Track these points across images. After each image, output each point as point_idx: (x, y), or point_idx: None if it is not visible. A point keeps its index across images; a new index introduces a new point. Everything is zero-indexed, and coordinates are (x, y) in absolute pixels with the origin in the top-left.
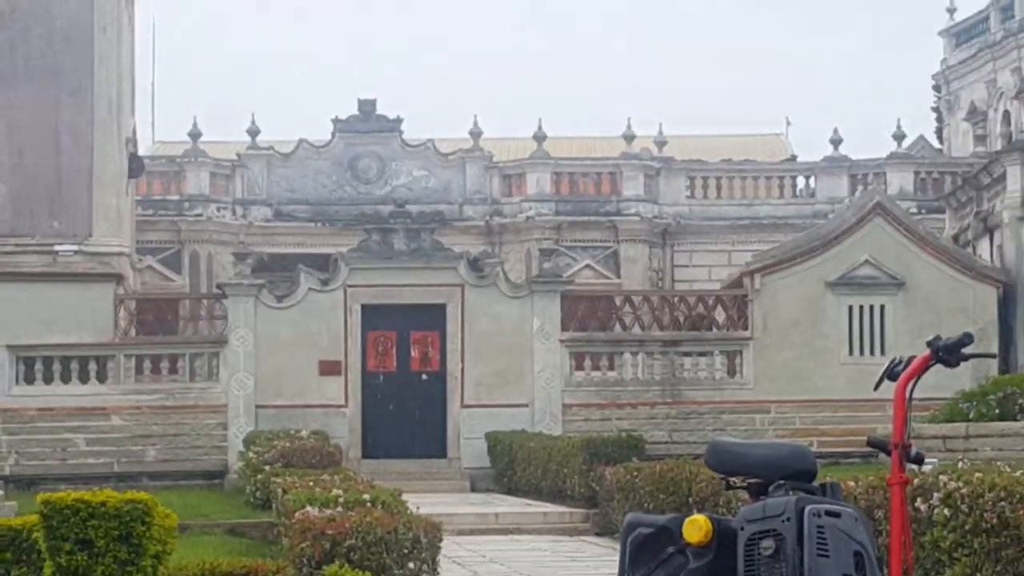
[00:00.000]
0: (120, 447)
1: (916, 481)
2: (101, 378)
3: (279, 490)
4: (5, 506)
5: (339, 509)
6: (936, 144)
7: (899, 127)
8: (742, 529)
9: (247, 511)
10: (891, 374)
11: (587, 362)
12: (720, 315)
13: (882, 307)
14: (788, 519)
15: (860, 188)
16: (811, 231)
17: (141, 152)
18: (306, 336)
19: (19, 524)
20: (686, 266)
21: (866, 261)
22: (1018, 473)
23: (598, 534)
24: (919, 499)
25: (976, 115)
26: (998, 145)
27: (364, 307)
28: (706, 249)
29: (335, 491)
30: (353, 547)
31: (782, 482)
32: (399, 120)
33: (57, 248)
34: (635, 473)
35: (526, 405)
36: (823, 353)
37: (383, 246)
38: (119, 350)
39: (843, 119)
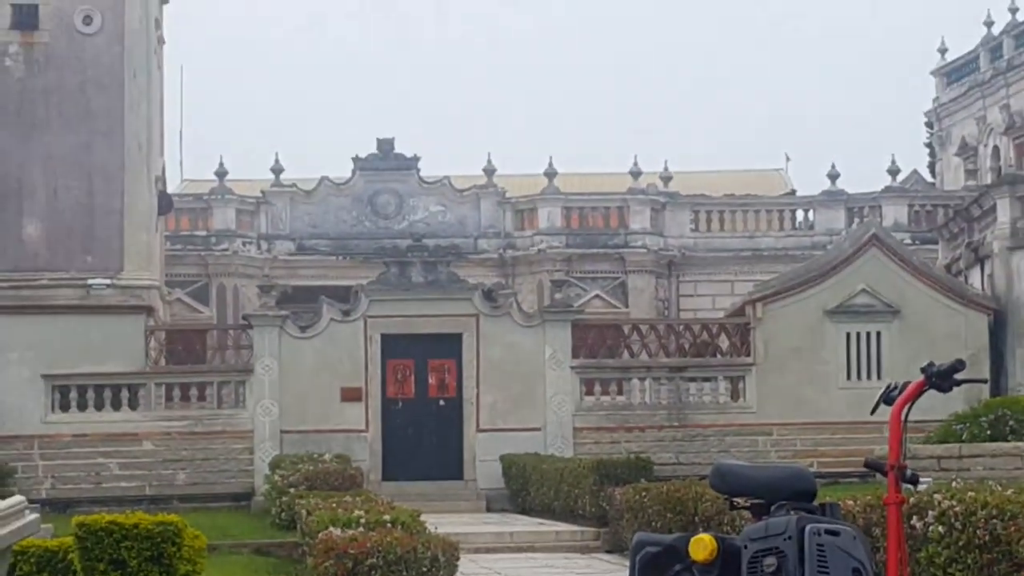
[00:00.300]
0: (151, 471)
1: (912, 500)
2: (133, 405)
3: (303, 511)
4: (42, 528)
5: (361, 529)
6: (929, 178)
7: (893, 162)
8: (746, 547)
9: (273, 532)
10: (887, 399)
11: (597, 387)
12: (724, 342)
13: (878, 334)
14: (790, 538)
15: (856, 220)
16: (810, 262)
17: (170, 190)
18: (328, 364)
19: (55, 546)
20: (691, 296)
21: (863, 290)
22: (1009, 492)
23: (608, 552)
24: (915, 517)
25: (967, 150)
26: (988, 179)
27: (384, 336)
28: (710, 279)
29: (357, 512)
30: (374, 566)
31: (784, 502)
32: (416, 158)
33: (90, 282)
34: (643, 493)
35: (539, 429)
36: (822, 378)
37: (401, 278)
38: (150, 378)
39: (840, 155)
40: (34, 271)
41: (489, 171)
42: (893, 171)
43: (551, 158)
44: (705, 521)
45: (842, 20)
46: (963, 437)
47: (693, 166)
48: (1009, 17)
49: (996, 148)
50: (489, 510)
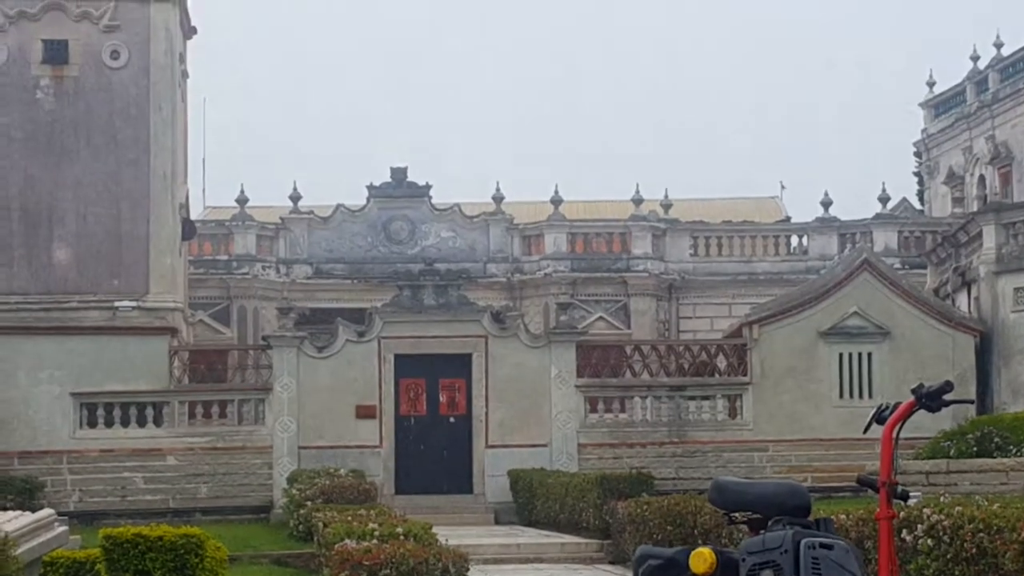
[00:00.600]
0: (175, 485)
1: (902, 515)
2: (157, 422)
3: (320, 524)
4: (70, 540)
5: (375, 541)
6: (918, 206)
7: (884, 190)
8: (743, 560)
9: (291, 543)
10: (879, 418)
11: (600, 405)
12: (721, 362)
13: (869, 354)
14: (786, 551)
15: (849, 246)
16: (804, 285)
17: (193, 216)
18: (344, 383)
19: (83, 556)
20: (690, 318)
21: (855, 312)
22: (996, 506)
23: (611, 563)
24: (905, 530)
25: (954, 179)
26: (974, 207)
27: (397, 356)
28: (708, 302)
29: (371, 525)
30: None
31: (780, 517)
32: (428, 186)
33: (117, 304)
34: (645, 507)
35: (545, 445)
36: (816, 397)
37: (414, 301)
38: (174, 396)
39: (833, 183)
40: (64, 294)
41: (498, 198)
42: (883, 199)
43: (557, 186)
44: (704, 534)
45: (835, 54)
46: (951, 453)
47: (692, 194)
48: (994, 52)
49: (982, 177)
50: (497, 523)
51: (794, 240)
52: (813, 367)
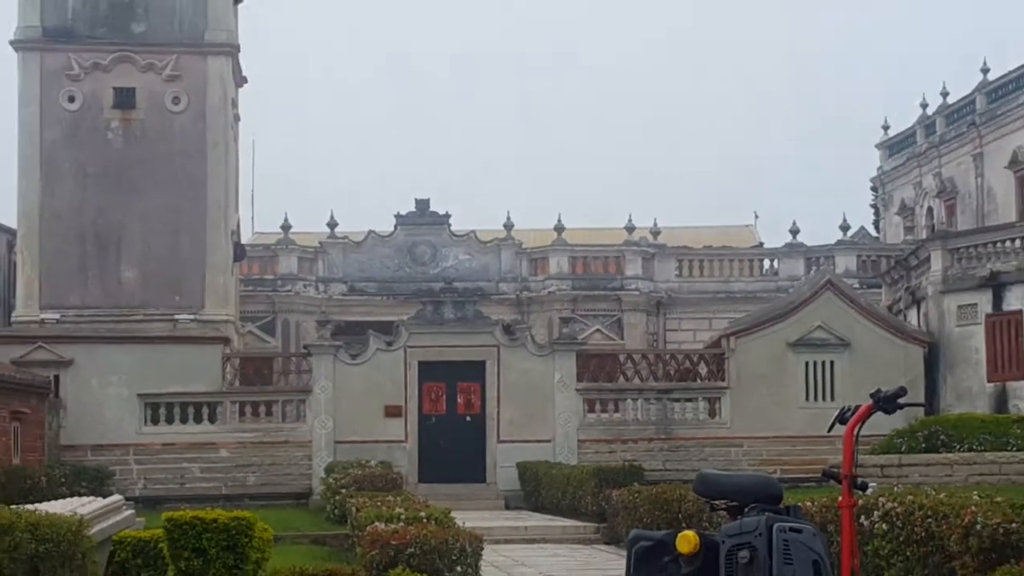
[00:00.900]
0: (227, 474)
1: (860, 503)
2: (212, 419)
3: (353, 508)
4: (136, 522)
5: (401, 524)
6: (874, 233)
7: (845, 220)
8: (723, 542)
9: (327, 525)
10: (842, 419)
11: (597, 406)
12: (703, 369)
13: (832, 363)
14: (760, 534)
15: (814, 268)
16: (775, 303)
17: (243, 241)
18: (374, 386)
19: (148, 536)
20: (675, 330)
21: (819, 326)
22: (942, 496)
23: (606, 543)
24: (863, 516)
25: (906, 211)
26: (924, 235)
27: (420, 363)
28: (691, 317)
29: (397, 509)
30: (412, 554)
31: (755, 505)
32: (448, 215)
33: (177, 317)
34: (636, 495)
35: (549, 440)
36: (785, 399)
37: (435, 315)
38: (226, 397)
39: (800, 214)
40: (131, 308)
41: (508, 226)
42: (844, 227)
43: (560, 215)
44: (687, 518)
45: (803, 100)
46: (902, 449)
47: (678, 222)
48: (941, 100)
49: (930, 209)
50: (507, 508)
51: (766, 263)
52: (783, 374)
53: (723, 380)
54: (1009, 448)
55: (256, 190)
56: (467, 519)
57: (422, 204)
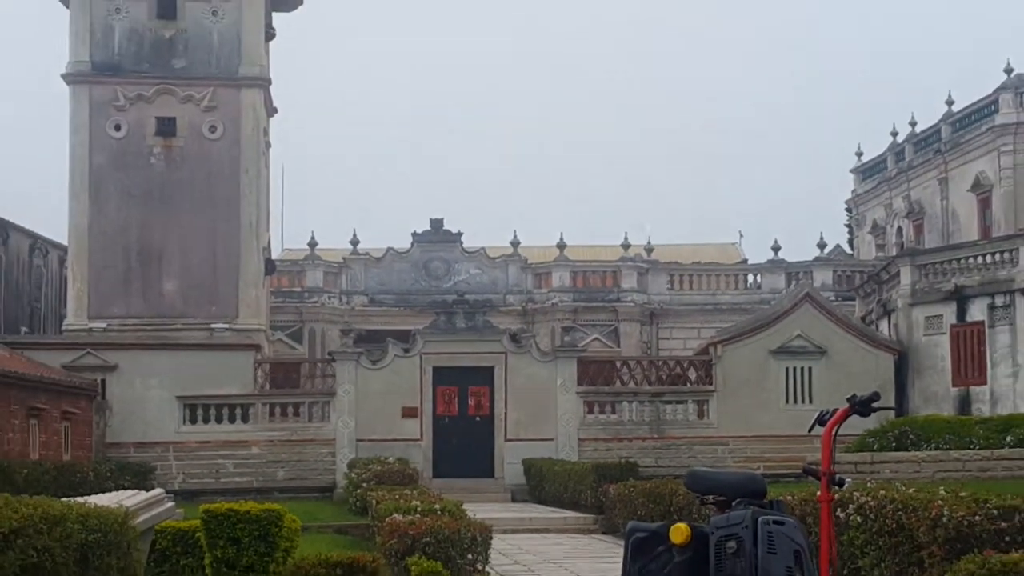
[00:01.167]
0: (258, 469)
1: (837, 497)
2: (244, 419)
3: (373, 501)
4: (176, 513)
5: (417, 515)
6: (848, 251)
7: (822, 238)
8: (712, 533)
9: (350, 516)
10: (821, 421)
11: (596, 408)
12: (692, 374)
13: (810, 368)
14: (746, 526)
15: (793, 283)
16: (758, 314)
17: (273, 257)
18: (393, 389)
19: (186, 526)
20: (667, 339)
21: (798, 335)
22: (911, 491)
23: (604, 533)
24: (839, 509)
25: (877, 230)
26: (894, 252)
27: (435, 368)
28: (682, 327)
29: (414, 502)
30: (427, 543)
31: (741, 499)
32: (460, 234)
33: (213, 326)
34: (631, 489)
35: (552, 439)
36: (767, 402)
37: (448, 324)
38: (257, 399)
39: (781, 232)
40: (171, 318)
41: (515, 243)
42: (821, 245)
43: (562, 234)
44: (678, 511)
45: (784, 130)
46: (874, 448)
47: (670, 240)
48: (909, 129)
49: (900, 228)
50: (514, 501)
51: (750, 277)
52: (765, 378)
53: (711, 384)
54: (972, 447)
55: (285, 210)
56: (477, 511)
57: (436, 223)
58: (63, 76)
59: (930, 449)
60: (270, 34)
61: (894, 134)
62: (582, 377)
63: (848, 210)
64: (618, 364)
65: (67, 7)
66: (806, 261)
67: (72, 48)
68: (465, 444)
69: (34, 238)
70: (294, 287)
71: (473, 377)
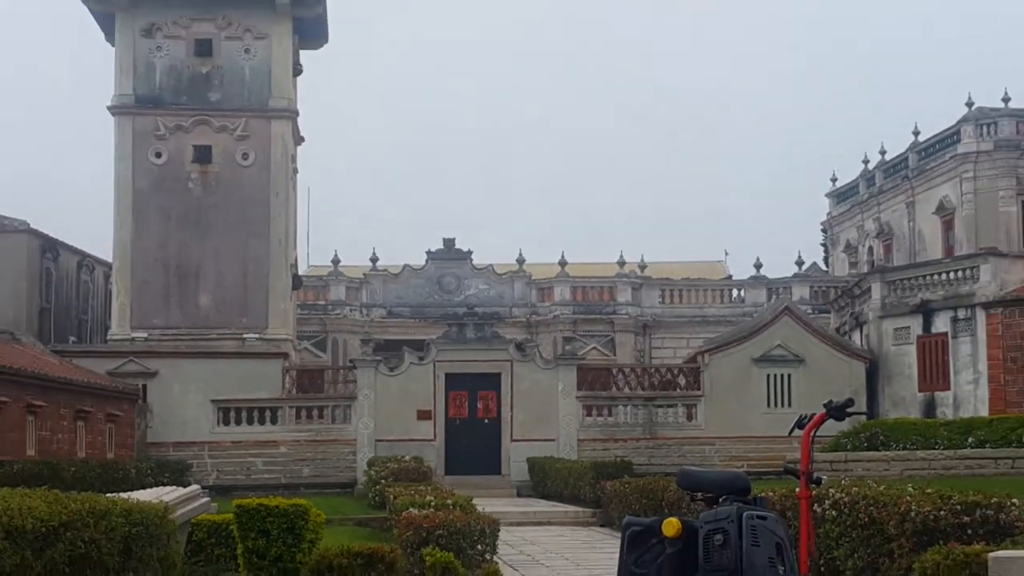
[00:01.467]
0: (286, 467)
1: (814, 494)
2: (273, 421)
3: (391, 496)
4: (210, 507)
5: (431, 509)
6: (824, 268)
7: (800, 257)
8: (701, 527)
9: (369, 510)
10: (800, 424)
11: (594, 411)
12: (682, 380)
13: (789, 375)
14: (732, 521)
15: (774, 297)
16: (741, 325)
17: (300, 273)
18: (408, 394)
19: (220, 519)
20: (659, 348)
21: (778, 345)
22: (881, 487)
23: (601, 525)
24: (816, 505)
25: (850, 249)
26: (865, 269)
27: (447, 375)
28: (672, 337)
29: (428, 497)
30: (440, 535)
31: (728, 496)
32: (470, 252)
33: (244, 336)
34: (626, 485)
35: (554, 439)
36: (750, 406)
37: (459, 335)
38: (285, 403)
39: (763, 251)
40: (206, 328)
41: (520, 261)
42: (799, 263)
43: (563, 252)
44: (669, 506)
45: (766, 159)
46: (848, 448)
47: (661, 258)
48: (880, 157)
49: (871, 247)
50: (519, 496)
51: (734, 292)
52: (748, 384)
53: (699, 389)
54: (937, 447)
55: (311, 230)
56: (486, 505)
57: (449, 242)
58: (109, 108)
59: (899, 449)
60: (298, 70)
61: (865, 161)
62: (581, 383)
63: (823, 231)
64: (614, 371)
65: (112, 45)
66: (785, 277)
67: (117, 82)
68: (474, 444)
69: (82, 255)
70: (319, 300)
71: (482, 383)
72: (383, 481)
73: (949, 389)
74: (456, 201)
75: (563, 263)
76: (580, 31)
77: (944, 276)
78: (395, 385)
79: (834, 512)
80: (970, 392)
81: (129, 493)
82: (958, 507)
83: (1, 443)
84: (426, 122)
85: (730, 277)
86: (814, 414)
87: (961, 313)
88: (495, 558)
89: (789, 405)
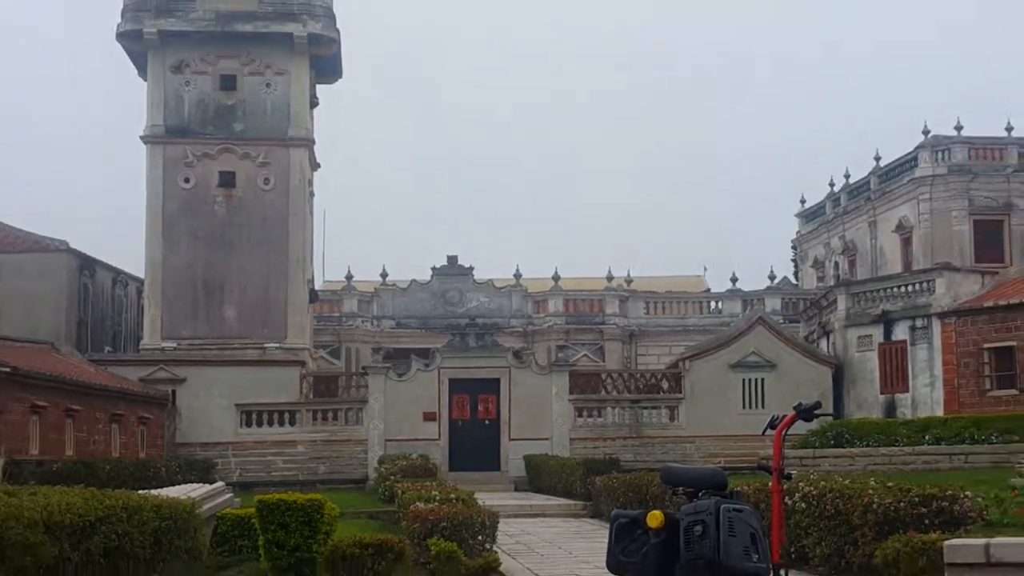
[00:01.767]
0: (303, 465)
1: (785, 488)
2: (292, 423)
3: (399, 491)
4: (234, 502)
5: (436, 503)
6: (794, 281)
7: (772, 271)
8: (683, 519)
9: (380, 504)
10: (772, 424)
11: (584, 413)
12: (665, 384)
13: (762, 380)
14: (711, 513)
15: (749, 308)
16: (719, 334)
17: (316, 287)
18: (415, 398)
19: (243, 513)
20: (644, 355)
21: (753, 352)
22: (846, 481)
23: (591, 517)
24: (787, 497)
25: (818, 264)
26: (831, 283)
27: (450, 380)
28: (656, 345)
29: (433, 492)
30: (445, 527)
31: (707, 490)
32: (471, 268)
33: (265, 345)
34: (614, 480)
35: (548, 439)
36: (727, 407)
37: (462, 344)
38: (303, 406)
39: (738, 266)
40: (230, 338)
41: (517, 276)
42: (771, 277)
43: (556, 268)
44: (654, 499)
45: (741, 182)
46: (816, 445)
47: (646, 273)
48: (844, 180)
49: (836, 263)
50: (516, 490)
51: (712, 304)
52: (725, 388)
53: (680, 393)
54: (897, 444)
55: (326, 248)
56: (486, 499)
57: (452, 259)
58: (141, 137)
59: (862, 447)
60: (314, 102)
61: (831, 184)
62: (573, 387)
63: (793, 248)
64: (603, 376)
65: (145, 80)
66: (759, 290)
67: (149, 114)
68: (476, 443)
69: (116, 272)
70: (333, 313)
71: (482, 387)
72: (392, 477)
73: (908, 391)
74: (459, 220)
75: (556, 278)
76: (574, 67)
77: (903, 289)
78: (403, 390)
79: (803, 504)
80: (927, 394)
81: (159, 490)
82: (916, 499)
83: (43, 444)
84: (431, 148)
85: (709, 290)
86: (785, 415)
87: (919, 322)
88: (494, 547)
89: (763, 407)
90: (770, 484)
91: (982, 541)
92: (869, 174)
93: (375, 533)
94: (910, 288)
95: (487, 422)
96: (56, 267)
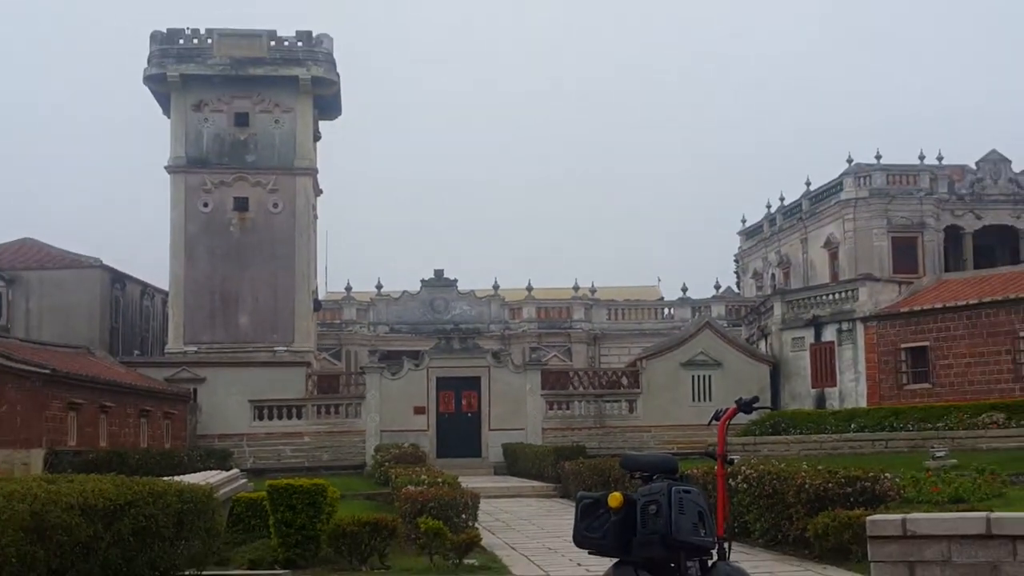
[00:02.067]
0: (309, 453)
1: (728, 471)
2: (298, 416)
3: (393, 475)
4: (248, 487)
5: (425, 486)
6: (736, 290)
7: (717, 282)
8: (639, 499)
9: (375, 487)
10: (716, 416)
11: (555, 406)
12: (624, 381)
13: (710, 376)
14: (663, 494)
15: (697, 314)
16: (671, 337)
17: (320, 297)
18: (407, 394)
19: (256, 497)
20: (607, 355)
21: (701, 352)
22: (783, 465)
23: (560, 497)
24: (730, 479)
25: (757, 276)
26: (769, 291)
27: (438, 378)
28: (617, 346)
29: (422, 476)
30: (433, 507)
31: (660, 474)
32: (455, 280)
33: (275, 349)
34: (581, 465)
35: (523, 429)
36: (679, 401)
37: (447, 346)
38: (308, 402)
39: (688, 278)
40: (244, 343)
41: (495, 287)
42: (717, 286)
43: (530, 279)
44: (615, 482)
45: (689, 204)
46: (756, 433)
47: (609, 283)
48: (780, 202)
49: (773, 274)
50: (495, 474)
51: (666, 310)
52: (677, 383)
53: (638, 388)
54: (826, 432)
55: (328, 264)
56: (469, 482)
57: (439, 272)
58: (166, 168)
59: (796, 434)
60: (317, 136)
61: (768, 206)
62: (545, 384)
63: (736, 261)
64: (571, 374)
65: (168, 117)
66: (706, 298)
67: (172, 147)
68: (460, 433)
69: (143, 285)
70: (335, 320)
71: (465, 384)
72: (387, 463)
73: (836, 386)
74: (444, 238)
75: (530, 288)
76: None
77: (831, 297)
78: (396, 387)
79: (745, 485)
80: (852, 388)
81: (182, 476)
82: (843, 480)
83: (79, 436)
84: (420, 174)
85: (663, 298)
86: (728, 408)
87: (844, 326)
88: (476, 524)
89: (710, 400)
90: (715, 468)
91: (900, 516)
92: (801, 197)
93: (372, 513)
94: (837, 296)
95: (469, 415)
96: (91, 281)
